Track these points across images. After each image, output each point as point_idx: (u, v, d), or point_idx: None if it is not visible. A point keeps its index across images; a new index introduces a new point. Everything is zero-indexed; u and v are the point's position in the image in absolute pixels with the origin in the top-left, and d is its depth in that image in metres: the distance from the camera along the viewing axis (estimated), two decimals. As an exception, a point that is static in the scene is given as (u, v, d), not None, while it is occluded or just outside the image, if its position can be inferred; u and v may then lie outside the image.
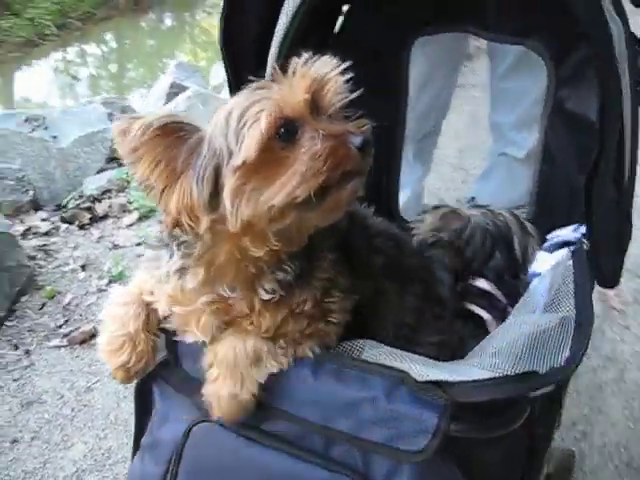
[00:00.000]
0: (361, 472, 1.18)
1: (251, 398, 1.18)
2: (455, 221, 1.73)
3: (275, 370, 1.18)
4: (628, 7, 1.31)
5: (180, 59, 9.08)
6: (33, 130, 4.23)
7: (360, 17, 1.87)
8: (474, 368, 1.14)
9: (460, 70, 2.60)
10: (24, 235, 3.73)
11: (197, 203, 1.06)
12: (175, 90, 4.99)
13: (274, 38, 1.64)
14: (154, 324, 1.30)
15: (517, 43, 1.77)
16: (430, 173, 2.95)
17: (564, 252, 1.42)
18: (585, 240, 1.39)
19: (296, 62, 1.09)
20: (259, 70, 1.55)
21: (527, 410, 1.14)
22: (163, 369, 1.35)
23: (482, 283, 1.65)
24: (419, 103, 2.28)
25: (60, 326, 3.07)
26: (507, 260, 1.66)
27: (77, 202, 4.00)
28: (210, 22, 11.09)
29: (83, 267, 3.49)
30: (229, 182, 1.04)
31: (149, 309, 1.28)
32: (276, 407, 1.22)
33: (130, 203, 4.03)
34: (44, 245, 3.67)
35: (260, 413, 1.23)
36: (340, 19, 1.87)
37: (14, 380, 2.78)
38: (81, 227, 3.89)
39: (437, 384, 1.09)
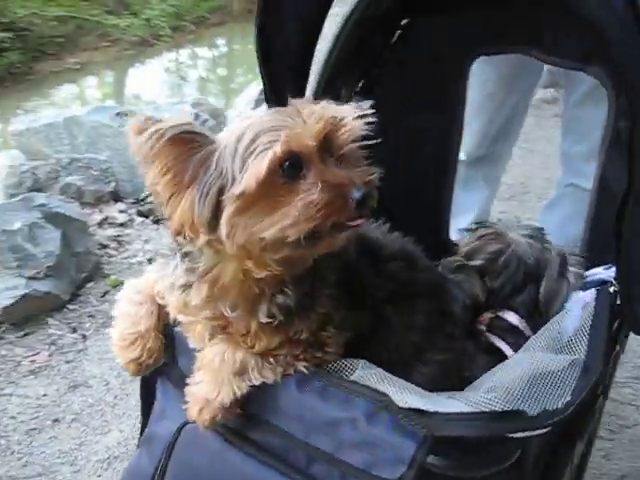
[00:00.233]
0: (339, 496, 1.14)
1: (223, 406, 1.16)
2: (493, 244, 1.65)
3: (257, 383, 1.16)
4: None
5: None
6: (123, 124, 4.39)
7: (420, 32, 1.83)
8: (456, 401, 1.08)
9: (529, 97, 2.49)
10: (100, 224, 3.87)
11: (197, 220, 1.05)
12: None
13: (317, 56, 1.64)
14: (164, 323, 1.31)
15: (578, 69, 1.68)
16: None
17: (593, 292, 1.33)
18: (614, 282, 1.30)
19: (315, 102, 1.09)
20: (298, 84, 1.56)
21: (516, 451, 1.07)
22: (166, 364, 1.36)
23: (512, 317, 1.57)
24: (475, 123, 2.21)
25: (119, 315, 3.14)
26: (534, 299, 1.58)
27: (154, 197, 4.11)
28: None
29: (150, 260, 3.58)
30: (228, 209, 1.03)
31: (160, 309, 1.30)
32: (262, 417, 1.21)
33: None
34: (118, 235, 3.80)
35: (247, 421, 1.23)
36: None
37: (67, 362, 2.88)
38: (156, 222, 4.00)
39: (421, 413, 1.04)
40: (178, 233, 1.09)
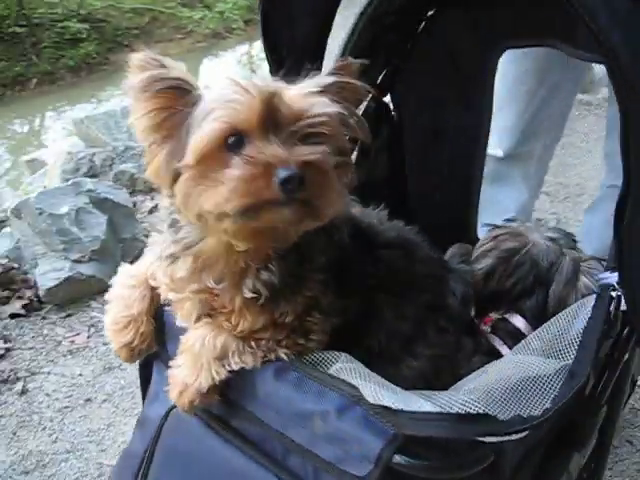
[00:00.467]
0: (311, 488, 1.13)
1: (201, 391, 1.16)
2: (508, 243, 1.60)
3: (236, 368, 1.16)
4: None
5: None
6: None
7: (444, 25, 1.79)
8: (425, 401, 1.05)
9: (565, 94, 2.39)
10: (151, 211, 3.95)
11: (161, 181, 1.08)
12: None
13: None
14: (156, 307, 1.32)
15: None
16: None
17: (594, 297, 1.27)
18: (617, 286, 1.23)
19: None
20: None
21: (489, 456, 1.03)
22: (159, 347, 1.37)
23: (518, 321, 1.52)
24: (504, 116, 2.15)
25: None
26: (541, 304, 1.51)
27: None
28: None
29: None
30: (182, 177, 1.04)
31: (153, 293, 1.31)
32: (241, 405, 1.20)
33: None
34: (166, 224, 3.86)
35: (228, 408, 1.23)
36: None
37: (104, 344, 2.94)
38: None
39: (388, 410, 1.02)
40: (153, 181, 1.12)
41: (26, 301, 3.07)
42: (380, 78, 1.79)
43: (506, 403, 1.07)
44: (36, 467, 2.34)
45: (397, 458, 1.01)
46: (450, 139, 1.89)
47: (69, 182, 3.37)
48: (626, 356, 1.34)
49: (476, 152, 1.94)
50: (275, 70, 1.45)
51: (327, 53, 1.65)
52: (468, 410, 1.05)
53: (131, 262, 1.42)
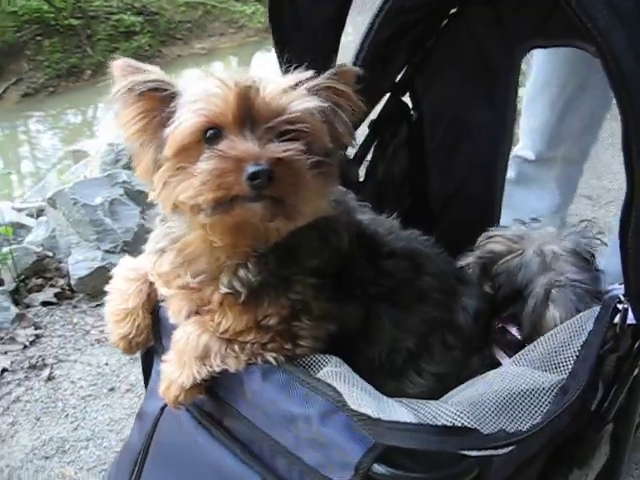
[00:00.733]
0: (296, 493, 1.11)
1: (185, 387, 1.16)
2: (497, 245, 1.52)
3: (218, 370, 1.15)
4: None
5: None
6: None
7: (468, 22, 1.74)
8: (406, 411, 1.02)
9: (594, 94, 2.29)
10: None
11: (147, 176, 1.09)
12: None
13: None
14: (153, 303, 1.32)
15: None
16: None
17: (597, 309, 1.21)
18: (623, 298, 1.18)
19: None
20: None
21: (473, 471, 0.99)
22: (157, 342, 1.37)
23: (514, 330, 1.46)
24: (531, 117, 2.08)
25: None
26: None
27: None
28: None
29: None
30: (161, 168, 1.05)
31: (151, 288, 1.31)
32: (230, 403, 1.20)
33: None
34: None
35: (218, 406, 1.22)
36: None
37: (132, 334, 2.97)
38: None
39: (367, 418, 0.99)
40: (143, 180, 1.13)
41: (58, 289, 3.13)
42: (399, 76, 1.76)
43: (494, 416, 1.03)
44: (56, 452, 2.38)
45: (378, 468, 0.98)
46: (472, 138, 1.84)
47: (105, 173, 3.42)
48: (637, 371, 1.28)
49: (499, 152, 1.88)
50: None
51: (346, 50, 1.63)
52: (454, 422, 1.01)
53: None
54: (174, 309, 1.22)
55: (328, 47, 1.49)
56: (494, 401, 1.05)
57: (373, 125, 1.76)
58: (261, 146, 0.98)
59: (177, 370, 1.16)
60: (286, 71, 1.13)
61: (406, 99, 1.81)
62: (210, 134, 1.02)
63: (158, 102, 1.07)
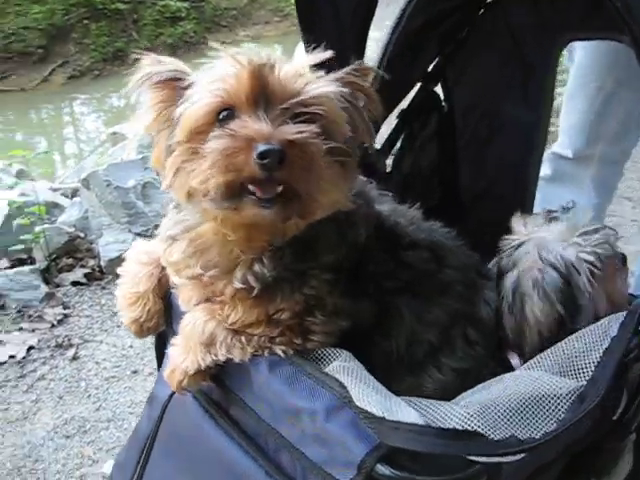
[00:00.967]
0: (299, 490, 1.08)
1: (189, 373, 1.14)
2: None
3: (222, 359, 1.12)
4: None
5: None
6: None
7: (504, 13, 1.68)
8: (414, 411, 0.98)
9: (633, 91, 2.20)
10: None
11: (161, 164, 1.06)
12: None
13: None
14: (164, 287, 1.30)
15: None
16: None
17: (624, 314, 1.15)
18: (651, 304, 1.12)
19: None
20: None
21: (481, 477, 0.95)
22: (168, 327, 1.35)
23: (517, 361, 1.39)
24: (570, 113, 2.00)
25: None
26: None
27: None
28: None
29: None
30: (173, 154, 1.02)
31: (163, 273, 1.29)
32: (237, 393, 1.17)
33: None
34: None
35: (226, 395, 1.20)
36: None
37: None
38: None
39: (372, 417, 0.95)
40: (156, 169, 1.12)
41: (88, 270, 3.16)
42: (431, 66, 1.70)
43: (507, 421, 0.98)
44: (77, 432, 2.40)
45: (382, 468, 0.95)
46: (505, 133, 1.78)
47: (139, 156, 3.43)
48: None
49: (533, 147, 1.81)
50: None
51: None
52: (463, 425, 0.97)
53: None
54: (184, 297, 1.20)
55: (356, 37, 1.45)
56: (507, 405, 1.00)
57: (402, 115, 1.71)
58: (274, 127, 0.95)
59: (182, 355, 1.14)
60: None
61: (438, 90, 1.76)
62: (223, 115, 0.99)
63: (175, 91, 1.05)
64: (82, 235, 3.27)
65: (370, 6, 1.45)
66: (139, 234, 3.18)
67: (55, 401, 2.54)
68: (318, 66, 1.08)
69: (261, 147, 0.92)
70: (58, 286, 3.12)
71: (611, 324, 1.12)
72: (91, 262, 3.20)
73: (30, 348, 2.78)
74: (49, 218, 3.45)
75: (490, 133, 1.81)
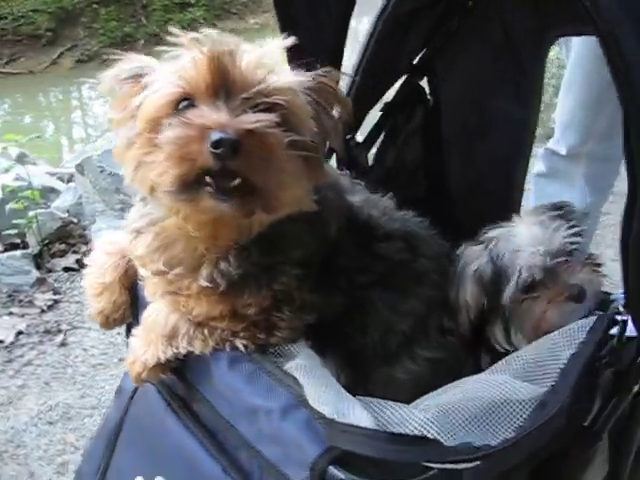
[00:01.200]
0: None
1: (148, 365, 1.12)
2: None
3: (183, 352, 1.10)
4: None
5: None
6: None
7: (493, 5, 1.64)
8: (367, 414, 0.95)
9: None
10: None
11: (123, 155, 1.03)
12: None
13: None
14: (131, 279, 1.27)
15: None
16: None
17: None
18: (623, 309, 1.09)
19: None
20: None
21: (437, 483, 0.92)
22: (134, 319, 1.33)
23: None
24: (565, 110, 1.96)
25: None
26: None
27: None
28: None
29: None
30: (133, 147, 0.99)
31: (129, 264, 1.26)
32: (196, 388, 1.15)
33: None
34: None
35: (188, 390, 1.18)
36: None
37: (148, 306, 2.98)
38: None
39: (323, 418, 0.93)
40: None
41: (80, 256, 3.15)
42: (417, 58, 1.67)
43: (465, 427, 0.95)
44: (61, 419, 2.40)
45: (335, 471, 0.92)
46: (497, 127, 1.74)
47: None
48: (638, 387, 1.19)
49: (522, 143, 1.77)
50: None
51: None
52: (421, 430, 0.94)
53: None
54: (150, 290, 1.18)
55: (336, 33, 1.42)
56: (467, 410, 0.97)
57: (386, 109, 1.68)
58: (232, 116, 0.91)
59: (143, 347, 1.12)
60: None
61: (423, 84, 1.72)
62: (183, 105, 0.96)
63: (141, 87, 1.02)
64: (75, 221, 3.26)
65: (350, 2, 1.41)
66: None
67: (41, 387, 2.53)
68: (295, 65, 1.06)
69: (214, 135, 0.88)
70: (50, 271, 3.11)
71: (582, 329, 1.10)
72: (83, 248, 3.19)
73: (19, 333, 2.78)
74: (45, 203, 3.44)
75: (480, 127, 1.77)
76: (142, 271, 1.19)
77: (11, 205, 3.11)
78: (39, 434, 2.33)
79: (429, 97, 1.72)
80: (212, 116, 0.91)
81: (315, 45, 1.37)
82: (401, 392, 1.18)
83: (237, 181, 0.91)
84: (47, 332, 2.78)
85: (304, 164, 1.00)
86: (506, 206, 1.85)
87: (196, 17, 9.97)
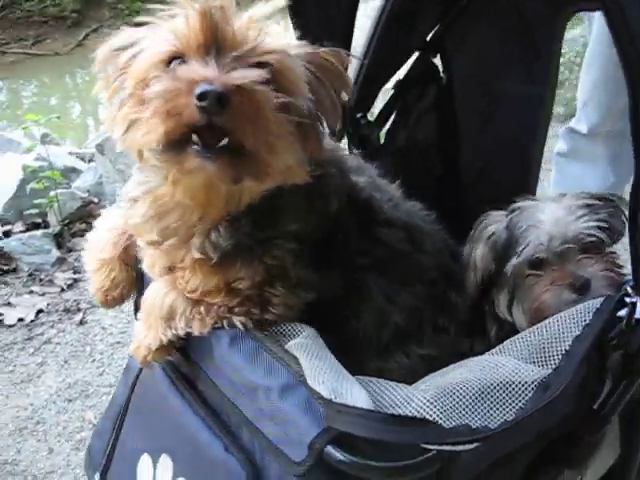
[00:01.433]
0: (258, 468, 1.06)
1: (152, 349, 1.12)
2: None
3: (182, 333, 1.10)
4: None
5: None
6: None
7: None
8: (366, 395, 0.94)
9: None
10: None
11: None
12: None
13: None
14: (132, 255, 1.27)
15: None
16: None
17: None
18: (632, 291, 1.06)
19: None
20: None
21: (434, 465, 0.91)
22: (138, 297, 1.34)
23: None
24: (583, 90, 1.92)
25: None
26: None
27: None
28: None
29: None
30: (123, 109, 0.97)
31: (130, 240, 1.26)
32: (200, 367, 1.15)
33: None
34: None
35: (192, 368, 1.18)
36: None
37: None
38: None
39: (321, 398, 0.93)
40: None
41: (100, 236, 3.16)
42: (430, 36, 1.64)
43: (465, 408, 0.94)
44: (79, 396, 2.43)
45: (332, 451, 0.92)
46: (507, 108, 1.70)
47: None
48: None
49: (535, 125, 1.74)
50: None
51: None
52: (420, 411, 0.93)
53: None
54: (147, 262, 1.18)
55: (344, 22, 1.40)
56: (467, 392, 0.96)
57: (398, 86, 1.65)
58: (221, 72, 0.89)
59: (144, 331, 1.12)
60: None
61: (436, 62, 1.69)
62: (174, 64, 0.94)
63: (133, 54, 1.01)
64: (96, 200, 3.28)
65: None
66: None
67: (60, 365, 2.56)
68: None
69: (200, 87, 0.86)
70: (70, 251, 3.14)
71: (589, 310, 1.07)
72: (103, 228, 3.21)
73: (39, 312, 2.81)
74: (67, 183, 3.47)
75: (490, 108, 1.74)
76: (140, 242, 1.18)
77: (32, 185, 3.14)
78: (58, 411, 2.36)
79: (442, 75, 1.68)
80: (200, 70, 0.89)
81: (324, 36, 1.35)
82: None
83: (225, 141, 0.89)
84: (66, 311, 2.81)
85: (297, 131, 0.97)
86: (520, 188, 1.82)
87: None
